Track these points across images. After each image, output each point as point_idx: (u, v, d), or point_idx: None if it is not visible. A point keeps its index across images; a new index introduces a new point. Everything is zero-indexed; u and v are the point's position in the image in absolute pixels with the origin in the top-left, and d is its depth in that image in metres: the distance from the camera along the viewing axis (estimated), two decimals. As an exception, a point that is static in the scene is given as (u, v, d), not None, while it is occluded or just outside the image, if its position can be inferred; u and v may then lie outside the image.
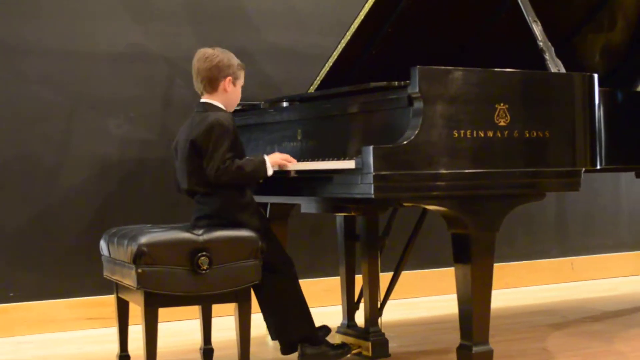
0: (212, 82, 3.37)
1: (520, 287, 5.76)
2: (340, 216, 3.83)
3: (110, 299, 3.54)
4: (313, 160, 3.35)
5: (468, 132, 3.00)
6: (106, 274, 3.45)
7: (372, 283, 3.70)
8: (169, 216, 4.53)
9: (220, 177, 3.20)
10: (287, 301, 3.42)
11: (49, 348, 4.18)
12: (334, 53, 3.91)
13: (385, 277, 3.76)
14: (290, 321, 3.42)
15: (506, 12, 3.84)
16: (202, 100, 3.41)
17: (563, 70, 3.31)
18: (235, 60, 3.42)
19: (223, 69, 3.37)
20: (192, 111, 3.44)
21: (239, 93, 3.45)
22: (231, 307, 3.20)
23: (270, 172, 3.27)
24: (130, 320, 3.49)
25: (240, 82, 3.44)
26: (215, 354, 3.69)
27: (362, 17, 3.75)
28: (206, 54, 3.39)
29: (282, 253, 3.47)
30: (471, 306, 3.11)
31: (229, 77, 3.38)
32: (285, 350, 3.50)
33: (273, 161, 3.29)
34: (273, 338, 3.57)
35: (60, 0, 4.61)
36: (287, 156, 3.35)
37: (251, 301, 3.21)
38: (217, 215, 3.27)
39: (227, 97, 3.40)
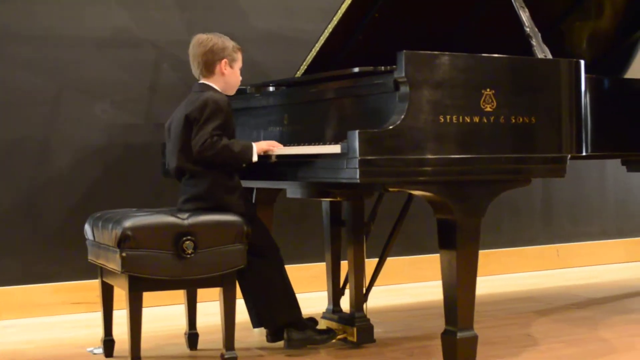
0: (208, 66, 3.40)
1: (506, 274, 5.78)
2: (326, 201, 3.83)
3: (95, 284, 3.53)
4: (299, 144, 3.34)
5: (454, 118, 2.99)
6: (91, 258, 3.44)
7: (358, 269, 3.71)
8: (154, 201, 4.52)
9: (205, 151, 3.21)
10: (273, 286, 3.42)
11: (33, 332, 4.17)
12: (321, 38, 3.90)
13: (370, 263, 3.76)
14: (276, 306, 3.43)
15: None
16: (201, 81, 3.43)
17: (550, 56, 3.31)
18: (230, 43, 3.44)
19: (217, 52, 3.39)
20: (178, 95, 3.43)
21: (237, 75, 3.48)
22: (216, 292, 3.20)
23: (255, 158, 3.27)
24: (115, 304, 3.48)
25: (238, 64, 3.47)
26: (200, 339, 3.68)
27: (349, 2, 3.74)
28: (200, 39, 3.42)
29: (268, 238, 3.48)
30: (456, 292, 3.11)
31: (225, 60, 3.40)
32: (273, 337, 3.50)
33: (260, 148, 3.29)
34: (254, 326, 3.57)
35: (46, -17, 4.59)
36: (274, 143, 3.35)
37: (236, 286, 3.21)
38: (204, 197, 3.27)
39: (225, 80, 3.42)
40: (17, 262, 4.50)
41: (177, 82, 4.76)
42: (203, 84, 3.41)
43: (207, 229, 3.12)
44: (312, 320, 3.56)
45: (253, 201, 4.02)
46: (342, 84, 3.31)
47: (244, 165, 3.34)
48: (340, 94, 3.32)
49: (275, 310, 3.43)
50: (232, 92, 3.48)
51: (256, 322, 3.57)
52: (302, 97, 3.56)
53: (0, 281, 4.46)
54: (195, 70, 3.45)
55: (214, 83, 3.41)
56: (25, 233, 4.52)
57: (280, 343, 3.49)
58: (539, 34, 3.37)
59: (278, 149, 3.31)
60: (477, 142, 3.04)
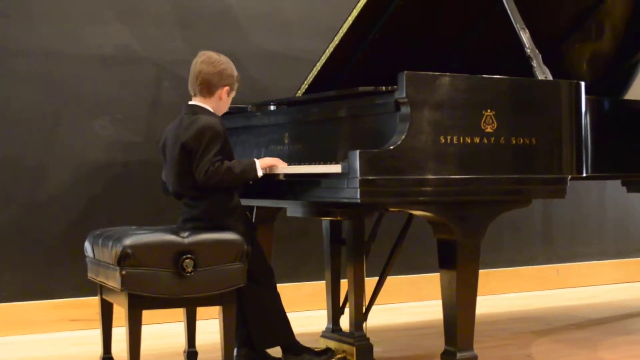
0: (210, 88, 3.34)
1: (506, 294, 5.77)
2: (326, 220, 3.82)
3: (95, 301, 3.52)
4: (300, 164, 3.34)
5: (455, 138, 3.00)
6: (90, 275, 3.43)
7: (358, 288, 3.70)
8: (155, 219, 4.52)
9: (210, 179, 3.19)
10: (265, 311, 3.40)
11: (32, 349, 4.16)
12: (322, 57, 3.91)
13: (370, 282, 3.75)
14: (268, 330, 3.41)
15: (494, 19, 3.85)
16: (192, 102, 3.37)
17: (550, 77, 3.32)
18: (236, 72, 3.40)
19: (225, 77, 3.35)
20: (179, 113, 3.42)
21: (228, 104, 3.43)
22: (216, 310, 3.19)
23: (260, 173, 3.25)
24: (115, 322, 3.47)
25: (233, 94, 3.42)
26: (200, 357, 3.67)
27: (351, 22, 3.75)
28: (212, 58, 3.35)
29: (263, 263, 3.45)
30: (456, 312, 3.11)
31: (227, 87, 3.36)
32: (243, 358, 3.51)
33: (264, 164, 3.28)
34: (236, 345, 3.54)
35: (49, 1, 4.60)
36: (277, 159, 3.34)
37: (236, 304, 3.20)
38: (204, 218, 3.26)
39: (218, 105, 3.37)
40: (16, 279, 4.49)
41: (178, 99, 4.76)
42: (195, 105, 3.34)
43: (207, 247, 3.12)
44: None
45: (253, 219, 4.02)
46: (343, 104, 3.31)
47: (250, 182, 3.34)
48: (341, 113, 3.32)
49: (267, 333, 3.42)
50: (219, 115, 3.41)
51: (242, 342, 3.54)
52: (303, 116, 3.57)
53: None
54: (193, 86, 3.36)
55: (206, 104, 3.34)
56: (25, 250, 4.52)
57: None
58: (540, 55, 3.38)
59: (281, 167, 3.30)
60: (478, 162, 3.04)
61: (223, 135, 3.24)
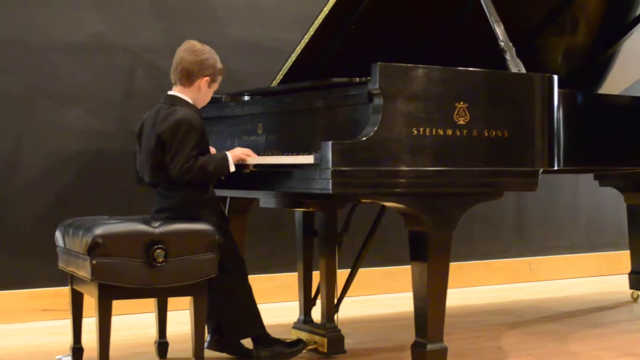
0: (190, 76, 3.32)
1: (478, 286, 5.80)
2: (299, 212, 3.82)
3: (65, 291, 3.50)
4: (273, 154, 3.34)
5: (427, 130, 3.00)
6: (61, 265, 3.42)
7: (329, 279, 3.70)
8: (128, 208, 4.50)
9: (183, 176, 3.18)
10: (236, 301, 3.41)
11: (2, 339, 4.13)
12: (297, 48, 3.90)
13: (342, 274, 3.76)
14: (239, 321, 3.42)
15: (469, 12, 3.86)
16: (171, 92, 3.36)
17: (523, 70, 3.33)
18: (219, 64, 3.38)
19: (206, 67, 3.34)
20: (153, 102, 3.40)
21: (210, 96, 3.42)
22: (187, 301, 3.19)
23: (232, 168, 3.25)
24: (85, 312, 3.46)
25: (215, 86, 3.41)
26: (170, 348, 3.66)
27: (326, 13, 3.74)
28: (195, 47, 3.35)
29: (235, 253, 3.45)
30: (426, 304, 3.12)
31: (207, 78, 3.34)
32: (214, 345, 3.50)
33: (234, 156, 3.27)
34: (208, 332, 3.54)
35: (21, -13, 4.57)
36: (248, 150, 3.34)
37: (207, 295, 3.20)
38: (177, 209, 3.25)
39: (197, 95, 3.36)
40: (-13, 268, 4.46)
41: (152, 89, 4.74)
42: (174, 95, 3.33)
43: (178, 237, 3.11)
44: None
45: (226, 210, 4.01)
46: (317, 95, 3.31)
47: (222, 177, 3.33)
48: (315, 104, 3.32)
49: (238, 324, 3.42)
50: (198, 107, 3.40)
51: (213, 330, 3.55)
52: (277, 107, 3.56)
53: (-30, 287, 4.43)
54: (174, 74, 3.35)
55: (185, 94, 3.33)
56: (-4, 238, 4.49)
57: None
58: (514, 49, 3.39)
59: (252, 158, 3.30)
60: (450, 155, 3.05)
61: (199, 129, 3.23)
